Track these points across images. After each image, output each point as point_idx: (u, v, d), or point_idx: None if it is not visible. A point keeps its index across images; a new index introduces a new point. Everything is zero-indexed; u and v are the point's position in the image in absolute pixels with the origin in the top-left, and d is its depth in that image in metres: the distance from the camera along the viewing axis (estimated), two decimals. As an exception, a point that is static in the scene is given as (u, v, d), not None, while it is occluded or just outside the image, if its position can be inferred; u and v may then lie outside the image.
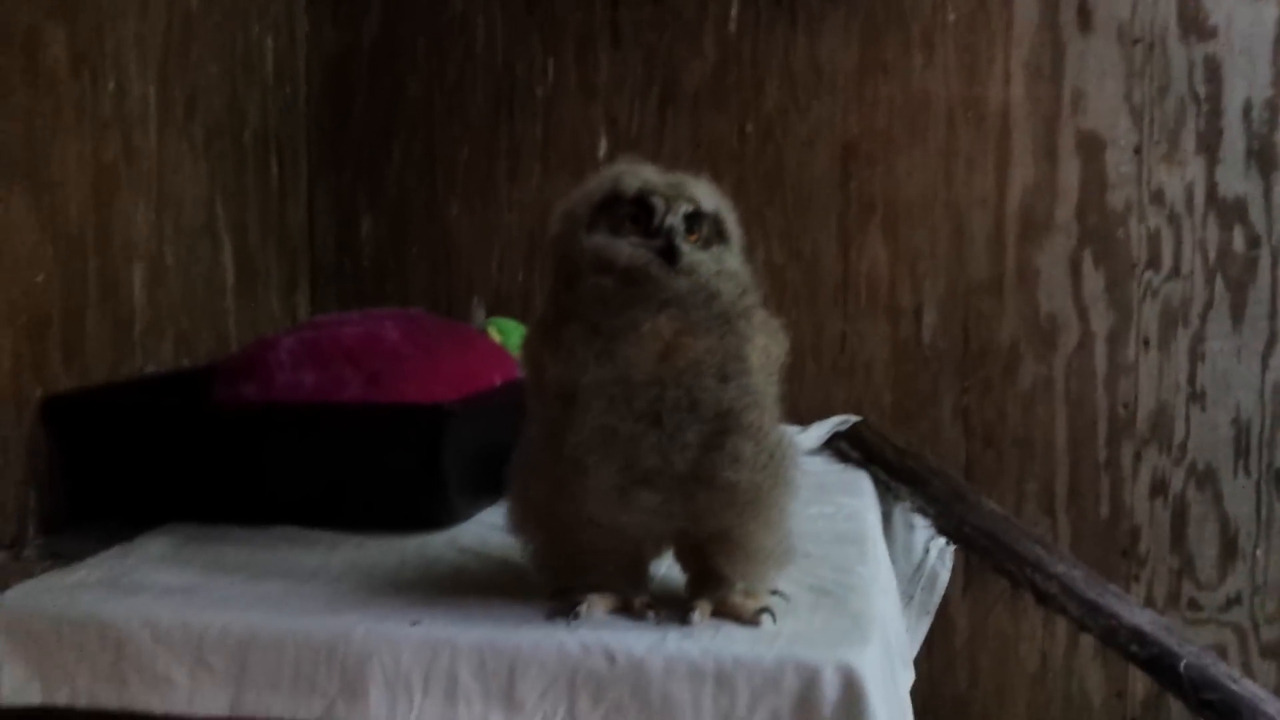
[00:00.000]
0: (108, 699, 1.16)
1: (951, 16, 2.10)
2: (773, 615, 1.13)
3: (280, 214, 2.18)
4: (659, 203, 1.09)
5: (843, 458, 1.99)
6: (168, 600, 1.22)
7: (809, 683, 1.04)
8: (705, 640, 1.09)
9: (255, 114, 2.09)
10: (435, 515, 1.48)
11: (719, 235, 1.12)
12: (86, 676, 1.17)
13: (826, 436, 2.00)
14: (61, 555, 1.38)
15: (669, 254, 1.07)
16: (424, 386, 1.52)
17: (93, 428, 1.53)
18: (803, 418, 1.99)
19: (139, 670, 1.16)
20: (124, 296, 1.69)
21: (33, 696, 1.18)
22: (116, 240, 1.66)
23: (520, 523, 1.18)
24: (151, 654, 1.16)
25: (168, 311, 1.79)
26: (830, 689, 1.04)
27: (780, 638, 1.10)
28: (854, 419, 2.03)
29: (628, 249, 1.08)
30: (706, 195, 1.11)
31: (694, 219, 1.10)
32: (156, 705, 1.15)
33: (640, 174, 1.11)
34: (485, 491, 1.46)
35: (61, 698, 1.18)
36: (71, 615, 1.19)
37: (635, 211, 1.09)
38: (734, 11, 2.15)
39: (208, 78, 1.91)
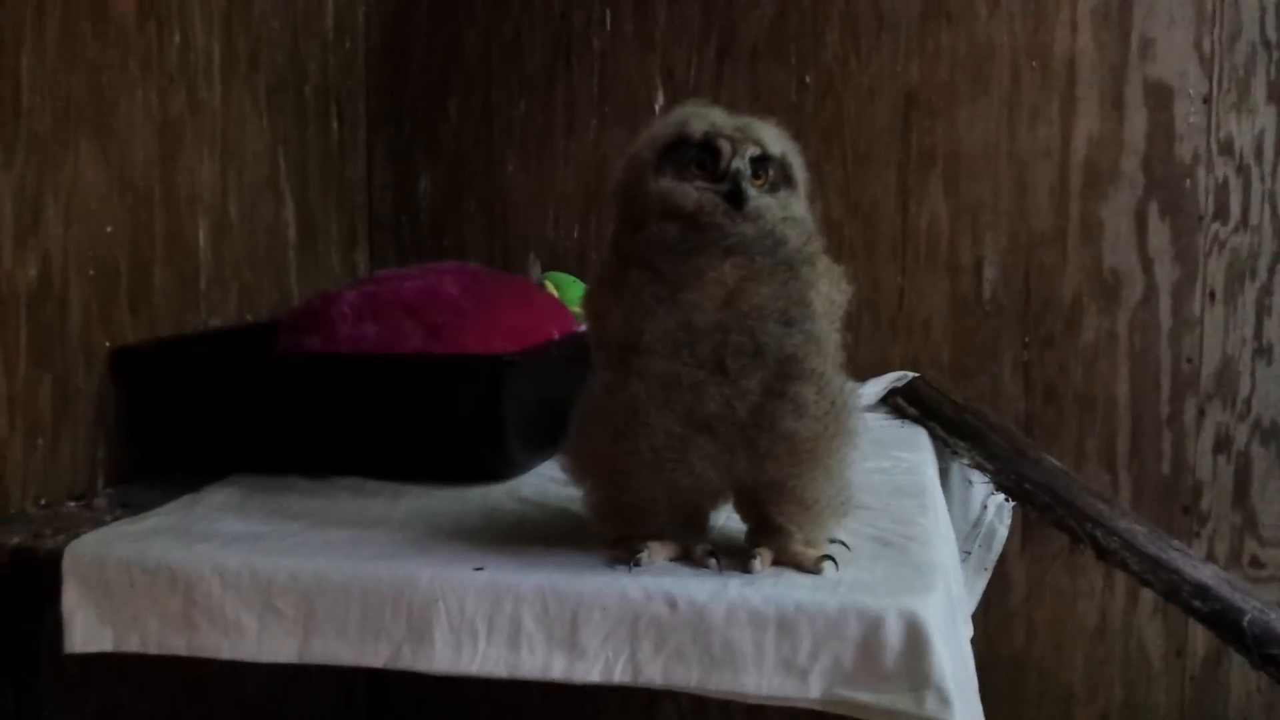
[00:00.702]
0: (178, 644, 1.18)
1: (1018, -38, 2.06)
2: (835, 562, 1.13)
3: (340, 170, 2.20)
4: (725, 146, 1.08)
5: (900, 414, 1.98)
6: (236, 547, 1.23)
7: (872, 629, 1.04)
8: (767, 587, 1.09)
9: (315, 69, 2.10)
10: (496, 466, 1.49)
11: (786, 180, 1.11)
12: (157, 623, 1.19)
13: (883, 393, 1.99)
14: (130, 505, 1.40)
15: (735, 198, 1.06)
16: (483, 339, 1.53)
17: (161, 380, 1.55)
18: (860, 374, 1.97)
19: (208, 616, 1.17)
20: (189, 250, 1.71)
21: (105, 643, 1.20)
22: (182, 194, 1.68)
23: (581, 472, 1.18)
24: (220, 600, 1.17)
25: (231, 266, 1.81)
26: (894, 636, 1.03)
27: (842, 585, 1.10)
28: (911, 375, 2.02)
29: (694, 193, 1.07)
30: (773, 139, 1.10)
31: (760, 162, 1.09)
32: (226, 651, 1.17)
33: (707, 116, 1.09)
34: (545, 443, 1.47)
35: (133, 644, 1.20)
36: (142, 563, 1.20)
37: (701, 155, 1.08)
38: (794, -41, 2.13)
39: (270, 32, 1.92)
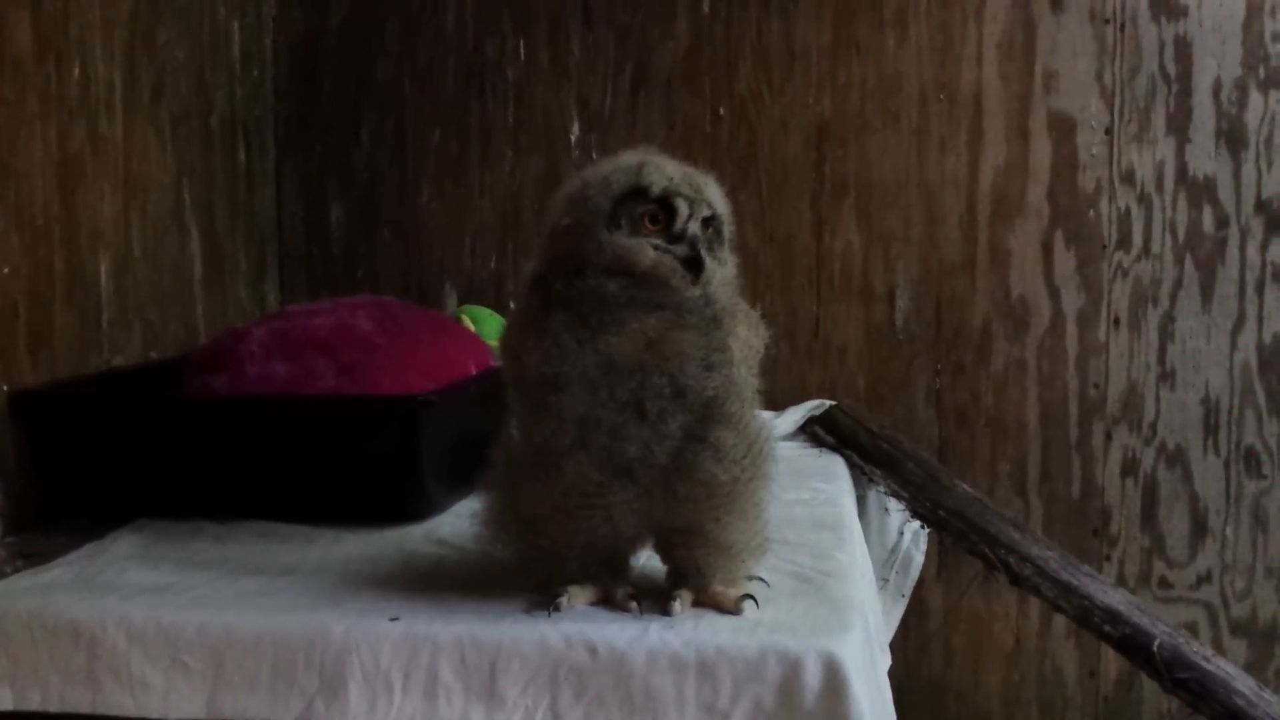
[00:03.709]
0: (81, 702, 1.15)
1: (924, -4, 2.10)
2: (755, 601, 1.13)
3: (248, 200, 2.16)
4: (683, 206, 1.07)
5: (818, 442, 2.00)
6: (141, 599, 1.20)
7: (791, 672, 1.05)
8: (687, 631, 1.09)
9: (222, 98, 2.06)
10: (413, 507, 1.47)
11: (719, 236, 1.11)
12: (59, 680, 1.15)
13: (801, 421, 2.00)
14: (31, 555, 1.35)
15: (694, 264, 1.06)
16: (398, 377, 1.51)
17: (61, 423, 1.50)
18: (777, 403, 1.99)
19: (113, 672, 1.14)
20: (91, 288, 1.66)
21: (4, 702, 1.16)
22: (83, 230, 1.64)
23: (499, 522, 1.16)
24: (125, 655, 1.14)
25: (135, 302, 1.76)
26: (812, 678, 1.04)
27: (761, 627, 1.10)
28: (828, 403, 2.04)
29: (651, 253, 1.06)
30: (717, 197, 1.10)
31: (707, 222, 1.08)
32: (131, 708, 1.14)
33: (664, 169, 1.07)
34: (463, 482, 1.44)
35: (34, 702, 1.16)
36: (43, 617, 1.17)
37: (656, 210, 1.07)
38: (707, -9, 2.14)
39: (174, 61, 1.88)
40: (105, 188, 1.69)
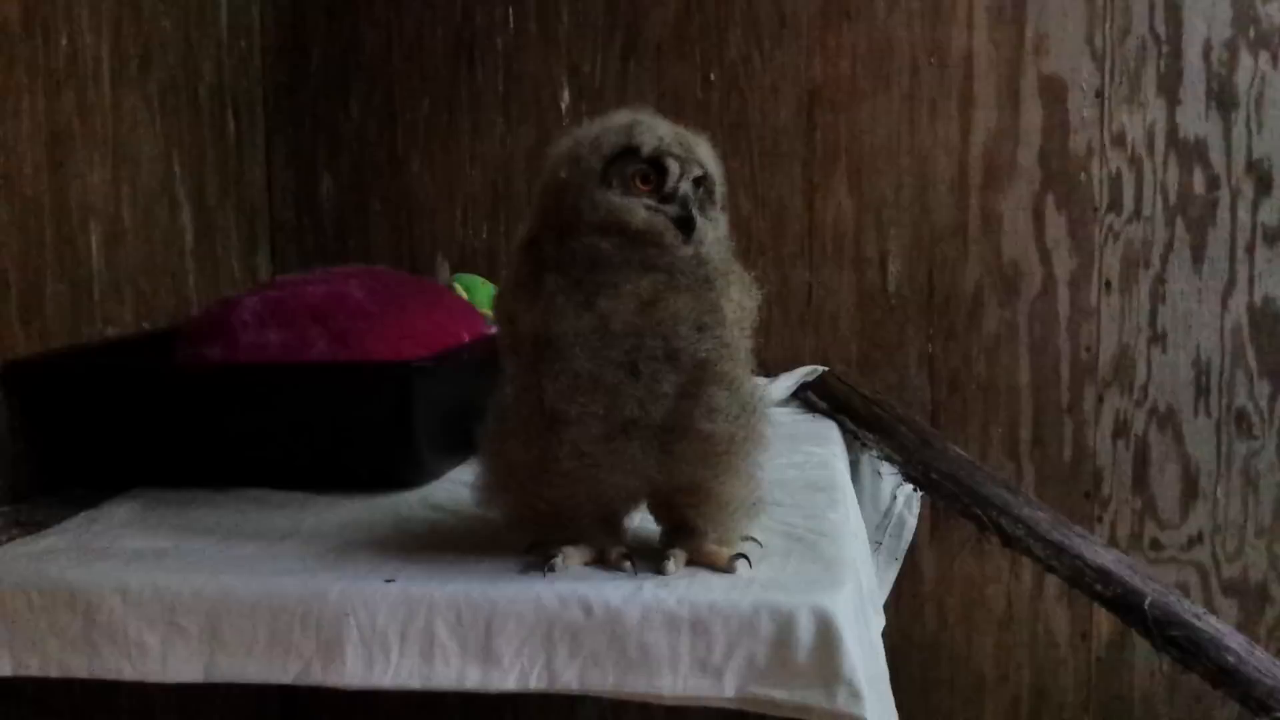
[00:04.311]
0: (79, 667, 1.15)
1: (914, -40, 2.09)
2: (748, 560, 1.14)
3: (238, 172, 2.15)
4: (674, 166, 1.07)
5: (810, 408, 2.00)
6: (137, 565, 1.20)
7: (784, 627, 1.05)
8: (681, 588, 1.09)
9: (210, 69, 2.05)
10: (407, 474, 1.47)
11: (711, 197, 1.11)
12: (57, 645, 1.15)
13: (794, 388, 2.01)
14: (27, 523, 1.36)
15: (686, 225, 1.06)
16: (391, 344, 1.51)
17: (55, 393, 1.50)
18: (770, 369, 2.00)
19: (110, 637, 1.14)
20: (82, 259, 1.66)
21: (3, 667, 1.16)
22: (73, 201, 1.63)
23: (493, 484, 1.17)
24: (123, 620, 1.14)
25: (126, 274, 1.76)
26: (805, 633, 1.05)
27: (754, 584, 1.11)
28: (821, 369, 2.04)
29: (643, 212, 1.06)
30: (709, 157, 1.10)
31: (698, 182, 1.09)
32: (129, 672, 1.14)
33: (655, 129, 1.08)
34: (456, 449, 1.46)
35: (32, 667, 1.16)
36: (40, 583, 1.17)
37: (647, 170, 1.07)
38: (695, -43, 2.13)
39: (161, 32, 1.87)
40: (94, 159, 1.69)
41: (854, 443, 1.92)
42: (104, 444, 1.50)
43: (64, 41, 1.61)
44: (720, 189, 1.12)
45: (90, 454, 1.51)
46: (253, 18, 2.20)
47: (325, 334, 1.52)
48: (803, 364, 2.07)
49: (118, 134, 1.75)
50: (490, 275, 2.09)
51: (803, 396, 2.01)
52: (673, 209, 1.07)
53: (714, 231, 1.10)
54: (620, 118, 1.10)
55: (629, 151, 1.07)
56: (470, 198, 2.23)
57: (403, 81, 2.23)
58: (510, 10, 2.18)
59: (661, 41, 2.15)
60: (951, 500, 1.86)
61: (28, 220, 1.53)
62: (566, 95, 2.18)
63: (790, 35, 2.12)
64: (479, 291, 1.96)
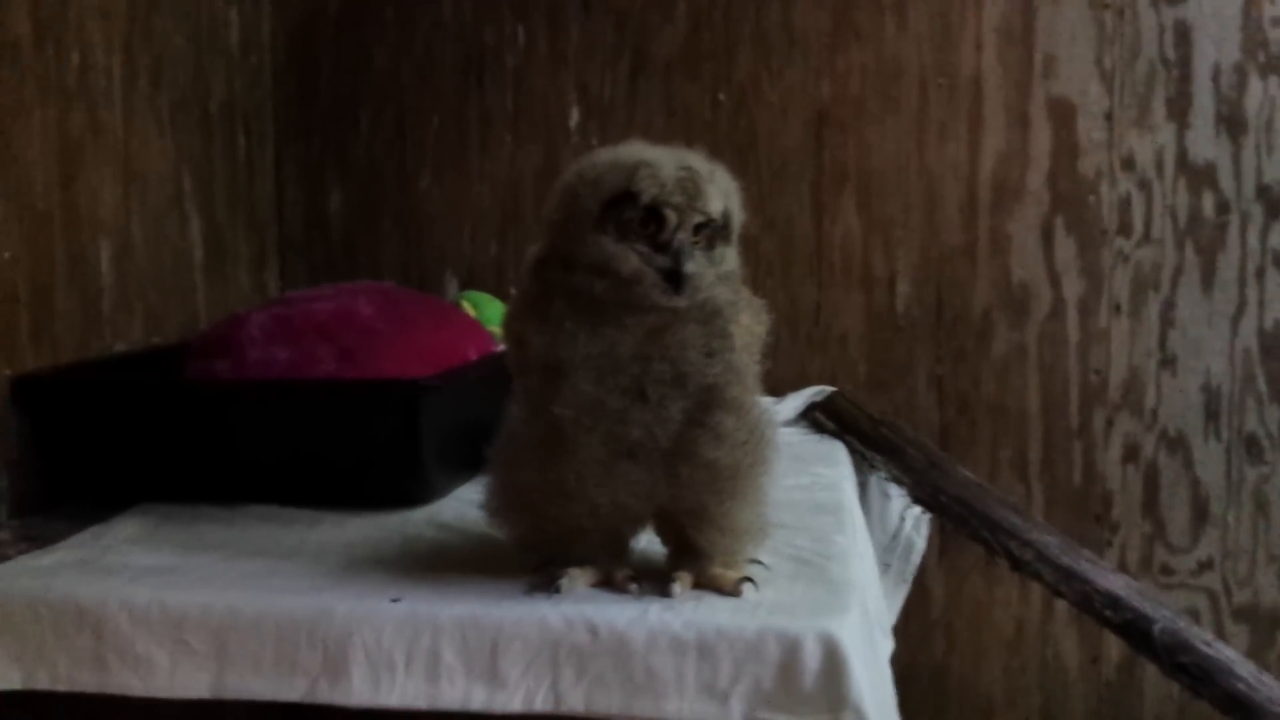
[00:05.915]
0: (87, 682, 1.15)
1: (923, -19, 2.09)
2: (755, 584, 1.13)
3: (248, 188, 2.16)
4: (671, 217, 1.05)
5: (818, 428, 1.99)
6: (145, 581, 1.20)
7: (791, 652, 1.05)
8: (687, 612, 1.09)
9: (220, 86, 2.06)
10: (414, 492, 1.47)
11: (723, 233, 1.09)
12: (66, 659, 1.15)
13: (802, 408, 2.00)
14: (35, 538, 1.36)
15: (674, 279, 1.05)
16: (399, 362, 1.51)
17: (64, 408, 1.50)
18: (779, 388, 1.99)
19: (118, 652, 1.14)
20: (92, 274, 1.66)
21: (13, 681, 1.16)
22: (83, 216, 1.64)
23: (501, 504, 1.16)
24: (130, 635, 1.14)
25: (136, 289, 1.76)
26: (811, 658, 1.04)
27: (761, 608, 1.10)
28: (829, 390, 2.04)
29: (633, 262, 1.05)
30: (718, 197, 1.06)
31: (702, 226, 1.07)
32: (137, 688, 1.14)
33: (659, 174, 1.04)
34: (464, 467, 1.45)
35: (41, 681, 1.16)
36: (48, 598, 1.17)
37: (646, 216, 1.05)
38: (706, -24, 2.14)
39: (172, 49, 1.88)
40: (105, 174, 1.69)
41: (862, 464, 1.91)
42: (112, 459, 1.50)
43: (75, 57, 1.62)
44: (737, 221, 1.10)
45: (99, 469, 1.51)
46: (263, 35, 2.21)
47: (333, 351, 1.52)
48: (811, 384, 2.06)
49: (128, 150, 1.75)
50: (498, 292, 2.09)
51: (810, 417, 2.01)
52: (664, 260, 1.05)
53: (716, 270, 1.07)
54: (629, 154, 1.07)
55: (628, 196, 1.05)
56: (479, 215, 2.24)
57: (412, 98, 2.23)
58: (520, 29, 2.19)
59: (670, 61, 2.16)
60: (960, 523, 1.85)
61: (38, 235, 1.54)
62: (575, 114, 2.18)
63: (799, 55, 2.13)
64: (487, 309, 1.96)
